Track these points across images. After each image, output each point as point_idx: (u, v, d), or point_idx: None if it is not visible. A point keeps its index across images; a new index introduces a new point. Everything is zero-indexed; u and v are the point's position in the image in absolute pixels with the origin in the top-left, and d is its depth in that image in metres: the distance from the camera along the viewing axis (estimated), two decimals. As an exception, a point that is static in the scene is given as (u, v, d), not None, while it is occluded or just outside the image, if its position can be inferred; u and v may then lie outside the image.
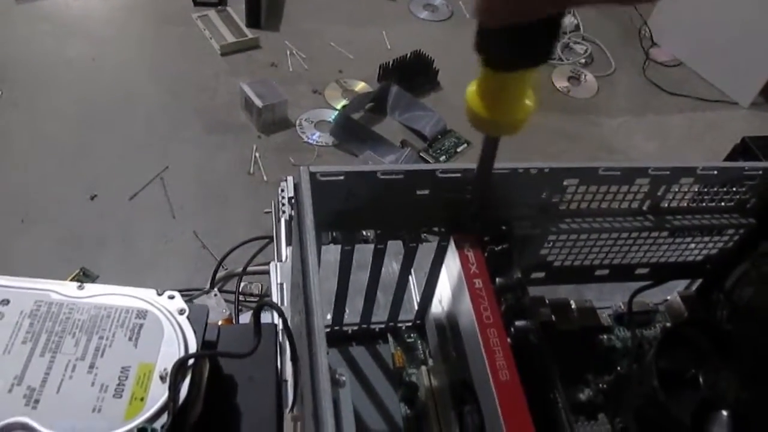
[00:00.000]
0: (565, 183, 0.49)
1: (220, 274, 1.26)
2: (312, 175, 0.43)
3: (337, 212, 0.46)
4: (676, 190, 0.53)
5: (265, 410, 0.53)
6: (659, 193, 0.52)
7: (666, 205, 0.54)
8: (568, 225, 0.52)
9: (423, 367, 0.54)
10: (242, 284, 1.23)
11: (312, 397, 0.34)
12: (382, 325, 0.59)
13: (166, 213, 1.36)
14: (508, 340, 0.42)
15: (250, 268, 1.25)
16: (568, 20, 2.05)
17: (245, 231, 1.33)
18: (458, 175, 0.46)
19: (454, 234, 0.48)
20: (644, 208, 0.54)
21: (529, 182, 0.48)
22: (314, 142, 1.54)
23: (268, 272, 1.24)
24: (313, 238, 0.39)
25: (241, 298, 1.20)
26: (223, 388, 0.51)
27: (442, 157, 1.55)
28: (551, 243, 0.53)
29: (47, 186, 1.37)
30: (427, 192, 0.47)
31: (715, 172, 0.51)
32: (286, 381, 0.55)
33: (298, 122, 1.57)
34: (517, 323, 0.44)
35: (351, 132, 1.54)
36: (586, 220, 0.52)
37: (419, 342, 0.58)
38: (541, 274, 0.56)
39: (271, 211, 1.37)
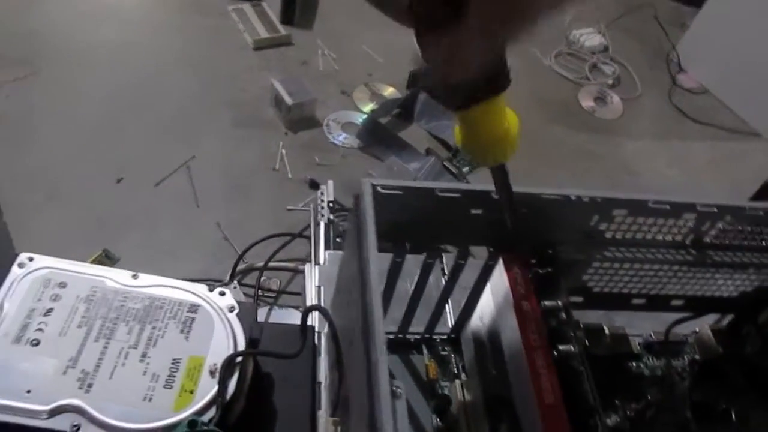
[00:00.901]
0: (614, 213, 0.50)
1: (241, 266, 1.27)
2: (374, 187, 0.44)
3: (392, 224, 0.47)
4: (720, 227, 0.54)
5: (300, 410, 0.53)
6: (703, 229, 0.53)
7: (708, 240, 0.55)
8: (612, 253, 0.53)
9: (457, 381, 0.55)
10: (261, 279, 1.25)
11: (368, 406, 0.35)
12: (418, 336, 0.60)
13: (190, 202, 1.37)
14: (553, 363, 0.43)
15: (270, 264, 1.26)
16: (598, 40, 2.06)
17: (267, 226, 1.34)
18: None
19: (503, 254, 0.49)
20: (687, 241, 0.54)
21: (579, 209, 0.49)
22: (340, 143, 1.55)
23: (287, 269, 1.26)
24: (374, 250, 0.40)
25: (260, 292, 1.22)
26: (261, 385, 0.52)
27: (466, 168, 1.56)
28: (594, 269, 0.54)
29: (75, 166, 1.38)
30: (480, 211, 0.48)
31: (761, 213, 0.52)
32: (320, 383, 0.56)
33: (325, 122, 1.59)
34: (561, 347, 0.45)
35: (377, 136, 1.55)
36: (630, 249, 0.53)
37: (453, 356, 0.59)
38: (580, 299, 0.57)
39: (294, 208, 1.39)
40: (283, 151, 1.50)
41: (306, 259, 1.28)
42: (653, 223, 0.52)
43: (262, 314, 1.18)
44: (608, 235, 0.52)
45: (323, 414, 0.54)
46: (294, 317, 1.07)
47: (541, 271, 0.50)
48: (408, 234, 0.49)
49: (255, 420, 0.50)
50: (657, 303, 0.59)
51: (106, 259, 1.23)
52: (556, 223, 0.50)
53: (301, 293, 1.16)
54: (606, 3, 2.23)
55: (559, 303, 0.47)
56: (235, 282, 1.20)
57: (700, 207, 0.51)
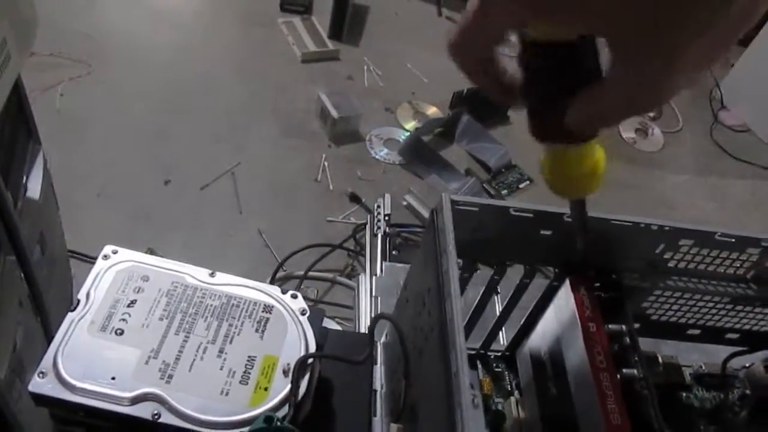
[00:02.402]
0: (680, 242, 0.51)
1: (280, 274, 1.29)
2: (453, 203, 0.45)
3: (464, 240, 0.48)
4: (782, 263, 0.54)
5: (356, 416, 0.55)
6: (766, 265, 0.54)
7: (768, 276, 0.55)
8: (674, 282, 0.53)
9: (512, 398, 0.56)
10: (300, 287, 1.26)
11: (448, 415, 0.36)
12: (473, 352, 0.61)
13: (233, 207, 1.40)
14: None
15: (310, 273, 1.28)
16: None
17: (306, 236, 1.36)
18: (583, 221, 0.48)
19: (570, 276, 0.50)
20: (748, 276, 0.55)
21: (646, 237, 0.50)
22: (381, 159, 1.57)
23: (324, 279, 1.27)
24: (455, 264, 0.41)
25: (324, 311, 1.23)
26: (323, 389, 0.54)
27: (504, 191, 1.57)
28: (654, 297, 0.55)
29: (125, 165, 1.42)
30: (550, 233, 0.49)
31: (826, 252, 0.52)
32: (375, 390, 0.58)
33: (368, 137, 1.61)
34: (625, 371, 0.46)
35: (419, 154, 1.56)
36: (692, 280, 0.54)
37: (507, 373, 0.60)
38: (636, 326, 0.58)
39: (334, 220, 1.41)
40: (326, 163, 1.52)
41: (343, 271, 1.31)
42: (717, 255, 0.52)
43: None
44: (671, 264, 0.53)
45: (378, 421, 0.55)
46: (331, 327, 1.09)
47: (604, 296, 0.51)
48: (478, 250, 0.50)
49: (318, 422, 0.51)
50: (712, 335, 0.60)
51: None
52: (623, 249, 0.51)
53: (344, 305, 1.17)
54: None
55: (624, 328, 0.48)
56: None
57: (765, 242, 0.51)
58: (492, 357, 0.61)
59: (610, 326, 0.48)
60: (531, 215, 0.48)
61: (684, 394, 0.63)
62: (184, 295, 0.48)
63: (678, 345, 0.67)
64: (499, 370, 0.60)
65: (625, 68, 0.28)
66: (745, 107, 2.03)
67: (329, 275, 1.29)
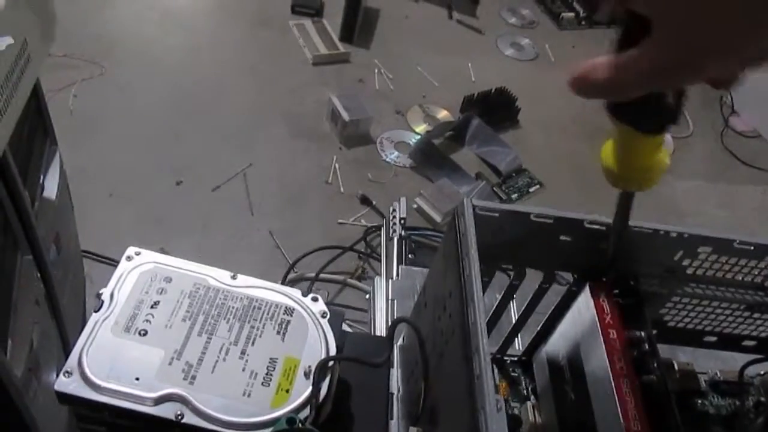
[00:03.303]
0: (699, 249, 0.51)
1: (291, 276, 1.29)
2: (474, 207, 0.46)
3: (484, 245, 0.49)
4: (800, 272, 0.54)
5: (374, 419, 0.55)
6: (784, 272, 0.54)
7: (786, 284, 0.55)
8: (692, 289, 0.54)
9: (528, 403, 0.56)
10: (311, 289, 1.27)
11: (471, 418, 0.37)
12: (490, 356, 0.61)
13: (245, 209, 1.40)
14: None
15: (321, 276, 1.28)
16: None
17: (317, 238, 1.36)
18: (603, 228, 0.49)
19: (590, 282, 0.50)
20: (766, 284, 0.55)
21: (665, 243, 0.50)
22: (392, 162, 1.57)
23: (335, 281, 1.28)
24: (477, 268, 0.42)
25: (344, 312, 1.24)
26: (340, 391, 0.54)
27: (515, 195, 1.57)
28: (672, 303, 0.55)
29: (136, 166, 1.43)
30: (570, 239, 0.49)
31: None
32: (392, 394, 0.58)
33: (378, 140, 1.61)
34: (644, 377, 0.46)
35: (430, 157, 1.57)
36: (710, 287, 0.54)
37: (523, 377, 0.60)
38: (654, 332, 0.58)
39: (345, 222, 1.41)
40: (337, 166, 1.53)
41: (354, 273, 1.31)
42: (735, 263, 0.53)
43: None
44: (689, 271, 0.53)
45: (395, 424, 0.55)
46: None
47: (622, 302, 0.51)
48: (498, 256, 0.50)
49: (337, 425, 0.52)
50: (729, 342, 0.60)
51: (163, 258, 1.26)
52: (641, 255, 0.51)
53: (359, 308, 1.18)
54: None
55: (643, 334, 0.48)
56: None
57: (784, 250, 0.52)
58: (508, 362, 0.61)
59: (629, 332, 0.49)
60: (551, 221, 0.48)
61: (699, 401, 0.63)
62: (207, 297, 0.49)
63: (694, 352, 0.67)
64: (516, 374, 0.60)
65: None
66: (756, 113, 2.03)
67: (340, 277, 1.29)
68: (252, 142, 1.54)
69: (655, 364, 0.47)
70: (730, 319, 0.57)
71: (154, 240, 1.28)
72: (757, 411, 0.62)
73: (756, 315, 0.57)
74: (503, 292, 0.53)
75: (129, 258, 0.50)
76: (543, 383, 0.56)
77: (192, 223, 1.35)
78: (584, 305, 0.50)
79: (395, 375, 0.59)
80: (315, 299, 0.51)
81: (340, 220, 1.41)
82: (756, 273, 0.54)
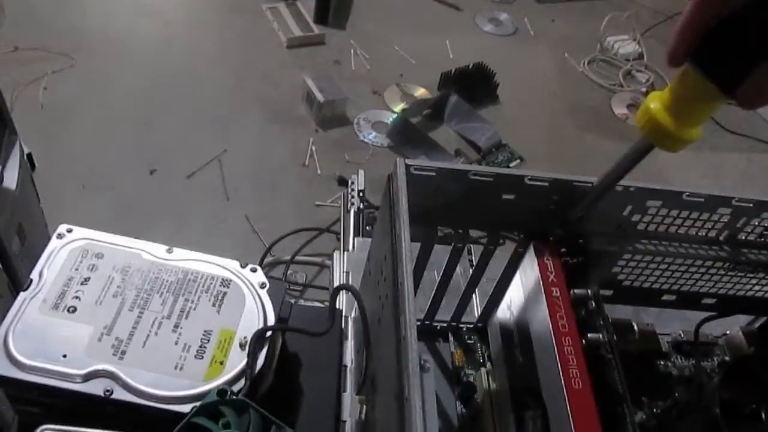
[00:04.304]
0: (647, 204, 0.50)
1: (268, 259, 1.28)
2: (407, 167, 0.44)
3: (423, 207, 0.47)
4: (756, 223, 0.53)
5: (325, 391, 0.54)
6: (738, 225, 0.53)
7: (743, 237, 0.54)
8: (644, 246, 0.52)
9: (482, 369, 0.55)
10: (287, 272, 1.25)
11: (397, 379, 0.35)
12: (444, 324, 0.60)
13: (220, 195, 1.39)
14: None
15: (297, 258, 1.27)
16: (632, 48, 2.04)
17: (295, 220, 1.35)
18: (546, 184, 0.47)
19: (534, 241, 0.49)
20: (721, 238, 0.54)
21: (612, 199, 0.49)
22: (369, 142, 1.56)
23: (313, 263, 1.27)
24: (407, 229, 0.40)
25: (286, 285, 1.22)
26: (288, 364, 0.53)
27: (495, 171, 1.55)
28: (624, 262, 0.53)
29: (109, 156, 1.41)
30: (512, 197, 0.48)
31: (800, 211, 0.51)
32: (345, 366, 0.57)
33: (355, 121, 1.59)
34: (590, 336, 0.45)
35: (407, 136, 1.55)
36: (662, 243, 0.53)
37: (479, 344, 0.59)
38: (609, 292, 0.57)
39: (323, 204, 1.39)
40: (313, 148, 1.51)
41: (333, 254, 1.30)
42: (687, 217, 0.51)
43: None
44: (641, 227, 0.52)
45: (348, 396, 0.54)
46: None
47: (571, 261, 0.50)
48: (438, 218, 0.49)
49: (282, 397, 0.51)
50: (688, 300, 0.59)
51: (137, 247, 1.25)
52: (590, 212, 0.50)
53: (328, 288, 1.17)
54: (642, 11, 2.21)
55: (589, 292, 0.47)
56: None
57: (736, 201, 0.50)
58: (464, 329, 0.60)
59: (575, 291, 0.47)
60: (491, 179, 0.47)
61: (662, 362, 0.62)
62: (140, 272, 0.48)
63: (660, 314, 0.66)
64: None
65: None
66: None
67: (318, 259, 1.28)
68: (226, 128, 1.52)
69: (601, 322, 0.46)
70: (687, 276, 0.56)
71: (128, 230, 1.25)
72: (719, 370, 0.61)
73: (713, 271, 0.55)
74: (448, 255, 0.52)
75: (60, 236, 0.49)
76: (496, 349, 0.55)
77: (167, 211, 1.34)
78: (529, 265, 0.49)
79: (349, 347, 0.58)
80: (254, 270, 0.50)
81: (317, 202, 1.40)
82: (709, 227, 0.53)
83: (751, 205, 0.51)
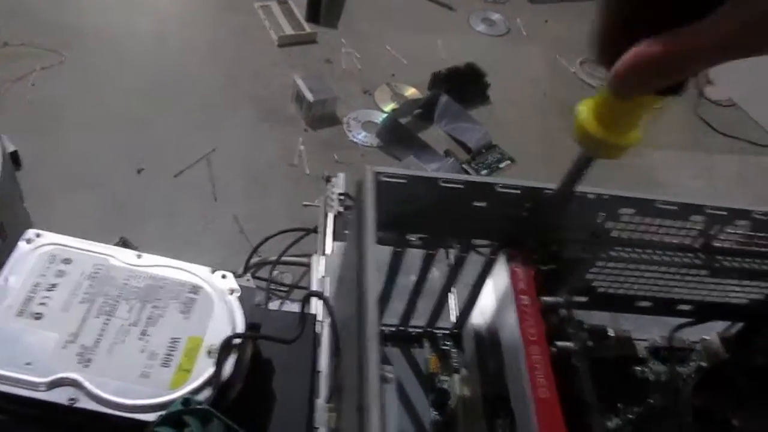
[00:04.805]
0: (620, 211, 0.49)
1: (254, 260, 1.27)
2: (376, 174, 0.44)
3: (394, 214, 0.47)
4: (730, 231, 0.53)
5: (298, 397, 0.54)
6: (712, 232, 0.52)
7: (717, 244, 0.54)
8: (617, 253, 0.52)
9: (456, 376, 0.55)
10: (274, 273, 1.25)
11: (357, 390, 0.35)
12: (420, 330, 0.60)
13: (208, 194, 1.39)
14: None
15: (283, 258, 1.27)
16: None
17: (283, 220, 1.35)
18: (517, 191, 0.47)
19: (506, 249, 0.48)
20: (695, 245, 0.54)
21: (585, 206, 0.49)
22: (359, 142, 1.55)
23: (300, 264, 1.26)
24: (373, 237, 0.40)
25: (271, 286, 1.22)
26: (261, 371, 0.52)
27: (484, 171, 1.55)
28: (599, 269, 0.53)
29: (98, 154, 1.40)
30: (484, 204, 0.47)
31: (773, 218, 0.51)
32: (319, 372, 0.57)
33: (345, 120, 1.59)
34: (560, 344, 0.45)
35: (397, 136, 1.55)
36: (636, 250, 0.53)
37: (454, 350, 0.59)
38: (584, 299, 0.56)
39: (310, 204, 1.39)
40: (302, 148, 1.51)
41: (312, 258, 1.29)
42: (661, 224, 0.51)
43: (274, 308, 1.19)
44: (614, 234, 0.51)
45: (321, 402, 0.54)
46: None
47: (544, 268, 0.49)
48: (411, 225, 0.49)
49: (253, 404, 0.50)
50: (663, 307, 0.58)
51: (124, 247, 1.24)
52: (564, 220, 0.49)
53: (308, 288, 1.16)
54: (635, 11, 2.21)
55: (560, 300, 0.47)
56: (249, 275, 1.21)
57: (709, 210, 0.50)
58: (440, 335, 0.60)
59: (546, 299, 0.47)
60: (461, 186, 0.46)
61: (639, 368, 0.61)
62: (108, 278, 0.47)
63: (640, 319, 0.66)
64: (447, 347, 0.59)
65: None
66: (731, 82, 2.01)
67: (304, 260, 1.28)
68: (216, 127, 1.52)
69: (572, 330, 0.46)
70: (662, 282, 0.55)
71: (115, 229, 1.26)
72: (696, 376, 0.61)
73: (688, 278, 0.55)
74: (421, 263, 0.51)
75: (28, 240, 0.48)
76: (470, 355, 0.55)
77: (154, 210, 1.34)
78: (500, 273, 0.48)
79: (324, 353, 0.58)
80: (224, 276, 0.49)
81: (305, 203, 1.39)
82: (684, 234, 0.53)
83: (725, 213, 0.50)
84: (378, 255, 0.56)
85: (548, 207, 0.47)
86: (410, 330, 0.60)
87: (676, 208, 0.50)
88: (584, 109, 0.36)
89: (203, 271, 0.49)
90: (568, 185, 0.42)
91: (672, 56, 0.28)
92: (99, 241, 1.24)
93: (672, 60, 0.28)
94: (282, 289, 1.26)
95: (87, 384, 0.42)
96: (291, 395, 0.53)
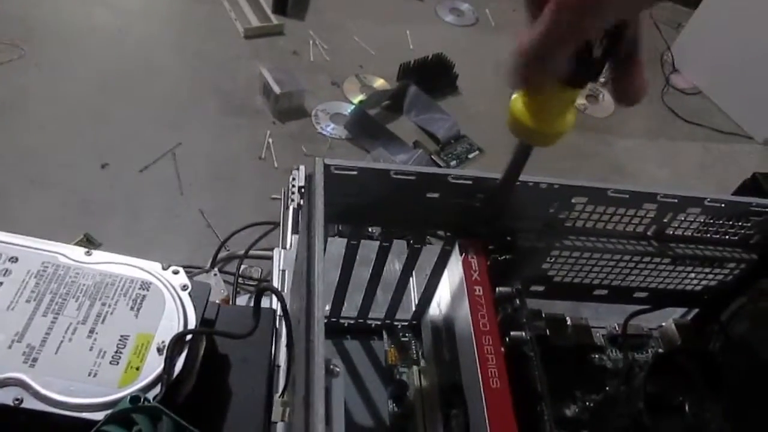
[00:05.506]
0: (573, 200, 0.50)
1: (222, 254, 1.26)
2: (326, 167, 0.44)
3: (347, 206, 0.47)
4: (682, 218, 0.53)
5: (255, 392, 0.53)
6: (665, 220, 0.53)
7: (671, 232, 0.55)
8: (572, 242, 0.52)
9: (414, 367, 0.55)
10: (242, 267, 1.24)
11: (305, 384, 0.35)
12: (379, 322, 0.60)
13: (174, 189, 1.37)
14: (503, 349, 0.43)
15: (251, 252, 1.26)
16: (593, 38, 2.05)
17: (251, 214, 1.33)
18: (470, 182, 0.47)
19: (460, 239, 0.48)
20: (649, 233, 0.54)
21: (538, 196, 0.49)
22: (328, 134, 1.55)
23: (269, 257, 1.25)
24: (321, 229, 0.40)
25: (240, 280, 1.21)
26: (216, 366, 0.52)
27: (453, 162, 1.55)
28: (554, 258, 0.53)
29: (60, 150, 1.38)
30: (437, 195, 0.47)
31: (722, 205, 0.52)
32: (278, 366, 0.56)
33: (313, 112, 1.58)
34: (513, 334, 0.45)
35: (365, 127, 1.54)
36: (590, 239, 0.53)
37: (413, 342, 0.59)
38: (541, 288, 0.57)
39: (278, 198, 1.38)
40: (270, 141, 1.49)
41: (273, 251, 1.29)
42: (614, 213, 0.51)
43: (242, 302, 1.18)
44: (568, 223, 0.52)
45: (277, 397, 0.54)
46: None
47: (499, 258, 0.50)
48: (365, 216, 0.49)
49: (207, 400, 0.50)
50: (620, 294, 0.59)
51: (88, 243, 1.22)
52: (516, 209, 0.50)
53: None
54: (602, 1, 2.22)
55: (514, 290, 0.47)
56: (216, 269, 1.20)
57: (661, 197, 0.51)
58: (399, 327, 0.60)
59: (500, 289, 0.47)
60: (413, 177, 0.46)
61: (597, 356, 0.62)
62: (56, 276, 0.46)
63: (598, 307, 0.67)
64: (406, 339, 0.59)
65: None
66: (696, 70, 2.03)
67: (272, 254, 1.27)
68: (181, 121, 1.50)
69: (524, 320, 0.46)
70: (617, 270, 0.56)
71: (79, 226, 1.24)
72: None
73: (642, 265, 0.56)
74: (375, 255, 0.51)
75: (-27, 239, 0.47)
76: (428, 346, 0.55)
77: (119, 206, 1.31)
78: (454, 263, 0.48)
79: (283, 347, 0.57)
80: (176, 272, 0.49)
81: (273, 196, 1.38)
82: (637, 222, 0.53)
83: (676, 200, 0.51)
84: (337, 248, 0.56)
85: (495, 196, 0.47)
86: (369, 322, 0.60)
87: (627, 196, 0.50)
88: (517, 101, 0.37)
89: (155, 267, 0.48)
90: (511, 174, 0.43)
91: (536, 42, 0.31)
92: (63, 239, 1.22)
93: (537, 45, 0.31)
94: (250, 283, 1.26)
95: (33, 383, 0.41)
96: (249, 391, 0.53)
